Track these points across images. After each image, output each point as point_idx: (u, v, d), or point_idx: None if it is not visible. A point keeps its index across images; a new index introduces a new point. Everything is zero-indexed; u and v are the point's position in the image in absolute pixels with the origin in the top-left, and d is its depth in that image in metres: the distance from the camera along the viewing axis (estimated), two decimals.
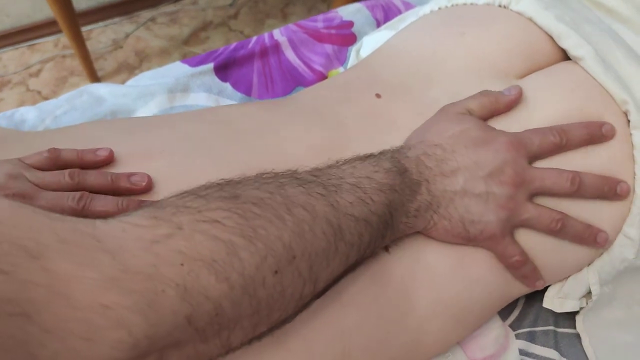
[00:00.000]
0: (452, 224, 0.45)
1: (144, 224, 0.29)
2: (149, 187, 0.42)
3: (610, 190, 0.47)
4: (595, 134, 0.47)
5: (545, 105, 0.50)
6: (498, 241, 0.46)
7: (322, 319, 0.42)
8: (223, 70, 0.74)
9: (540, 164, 0.47)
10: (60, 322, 0.24)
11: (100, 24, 1.80)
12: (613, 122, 0.48)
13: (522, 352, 0.55)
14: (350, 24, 0.80)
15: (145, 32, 1.79)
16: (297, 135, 0.51)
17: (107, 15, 1.81)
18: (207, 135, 0.49)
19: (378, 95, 0.55)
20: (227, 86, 0.73)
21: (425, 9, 0.66)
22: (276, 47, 0.77)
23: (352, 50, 0.76)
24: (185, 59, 0.77)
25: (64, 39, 1.75)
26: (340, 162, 0.42)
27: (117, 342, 0.25)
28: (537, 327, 0.56)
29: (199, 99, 0.72)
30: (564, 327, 0.56)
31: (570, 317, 0.56)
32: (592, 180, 0.46)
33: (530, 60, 0.54)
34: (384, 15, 0.83)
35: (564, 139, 0.46)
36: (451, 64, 0.55)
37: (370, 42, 0.73)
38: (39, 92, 1.63)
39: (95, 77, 1.62)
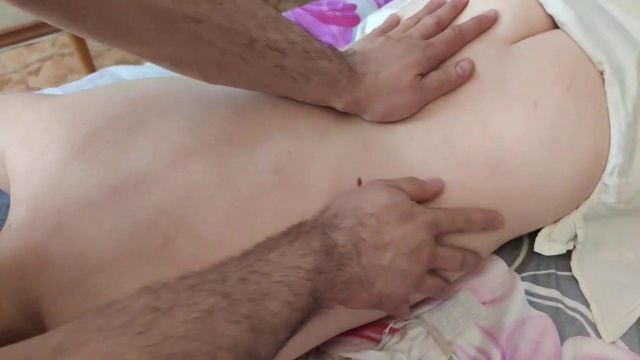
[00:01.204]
0: (371, 297, 0.46)
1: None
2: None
3: (491, 222, 0.53)
4: (490, 224, 0.53)
5: (529, 67, 0.55)
6: (400, 306, 0.51)
7: None
8: None
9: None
10: None
11: None
12: (587, 80, 0.54)
13: (528, 293, 0.60)
14: (353, 6, 0.85)
15: None
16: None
17: None
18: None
19: None
20: None
21: None
22: None
23: (358, 29, 0.81)
24: None
25: (61, 37, 1.78)
26: (270, 246, 0.40)
27: None
28: (540, 270, 0.62)
29: None
30: (564, 270, 0.62)
31: (568, 260, 0.62)
32: (478, 219, 0.52)
33: (524, 25, 0.60)
34: None
35: (468, 226, 0.51)
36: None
37: (374, 21, 0.79)
38: (39, 90, 1.66)
39: None
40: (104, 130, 0.50)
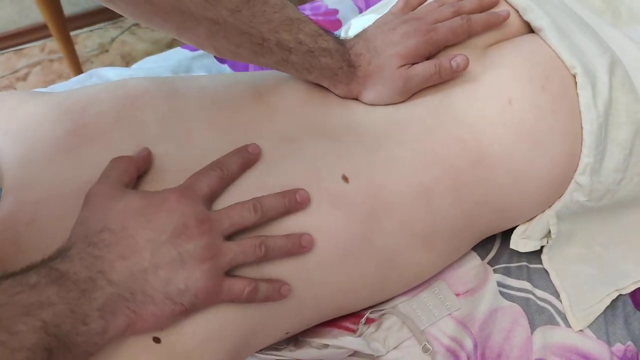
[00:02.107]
0: (160, 306, 0.40)
1: None
2: None
3: (290, 201, 0.47)
4: (246, 157, 0.49)
5: (503, 67, 0.58)
6: (218, 293, 0.43)
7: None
8: None
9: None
10: None
11: (86, 29, 1.85)
12: (561, 82, 0.56)
13: (500, 284, 0.62)
14: (335, 11, 0.88)
15: (130, 36, 1.85)
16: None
17: (92, 21, 1.86)
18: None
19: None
20: (226, 67, 0.80)
21: None
22: None
23: (342, 32, 0.83)
24: (184, 45, 0.83)
25: (50, 43, 1.79)
26: None
27: None
28: (512, 263, 0.64)
29: None
30: (535, 263, 0.64)
31: (539, 253, 0.64)
32: (272, 200, 0.46)
33: (499, 31, 0.62)
34: (365, 3, 0.91)
35: (225, 170, 0.47)
36: None
37: (358, 24, 0.81)
38: None
39: None
40: (89, 127, 0.52)
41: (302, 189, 0.48)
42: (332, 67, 0.55)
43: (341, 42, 0.56)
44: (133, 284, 0.39)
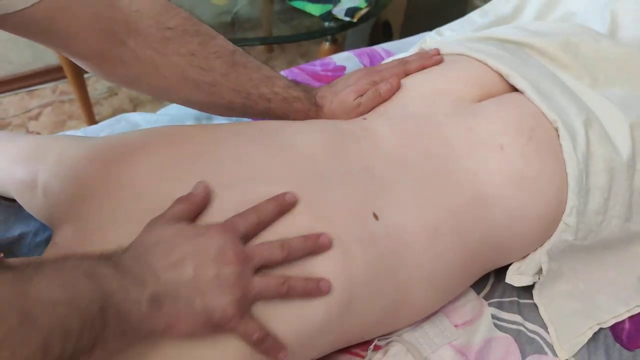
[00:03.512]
0: (197, 314, 0.45)
1: None
2: None
3: (313, 244, 0.52)
4: (282, 204, 0.54)
5: (493, 123, 0.66)
6: (238, 322, 0.47)
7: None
8: None
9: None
10: None
11: None
12: (545, 133, 0.65)
13: (494, 317, 0.69)
14: (343, 68, 0.97)
15: None
16: (313, 135, 0.65)
17: None
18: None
19: (364, 118, 0.71)
20: None
21: (403, 55, 0.83)
22: None
23: None
24: None
25: (62, 85, 1.88)
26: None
27: None
28: (504, 298, 0.71)
29: None
30: (525, 299, 0.71)
31: (529, 290, 0.71)
32: (297, 241, 0.52)
33: (483, 89, 0.71)
34: (370, 61, 1.00)
35: (261, 215, 0.52)
36: (419, 92, 0.72)
37: None
38: (38, 134, 1.74)
39: (93, 121, 1.75)
40: (135, 170, 0.59)
41: (325, 234, 0.53)
42: (303, 109, 0.72)
43: (309, 90, 0.74)
44: (177, 291, 0.45)
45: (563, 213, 0.65)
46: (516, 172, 0.63)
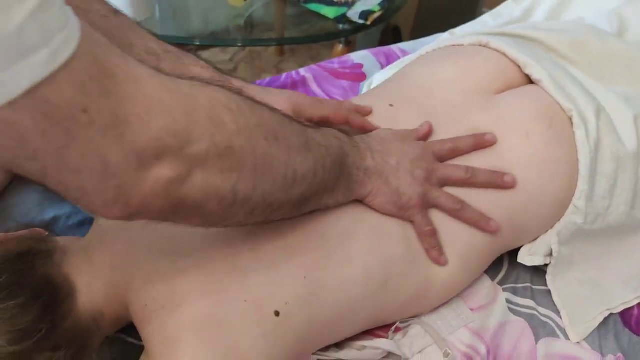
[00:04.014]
0: (391, 192, 0.60)
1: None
2: None
3: (498, 178, 0.64)
4: (479, 141, 0.67)
5: (513, 114, 0.70)
6: (416, 212, 0.61)
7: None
8: None
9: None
10: (134, 96, 0.35)
11: None
12: (562, 122, 0.69)
13: (508, 302, 0.72)
14: (360, 65, 1.01)
15: None
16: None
17: None
18: None
19: (391, 105, 0.74)
20: None
21: (421, 51, 0.87)
22: (303, 81, 0.96)
23: (365, 85, 0.96)
24: None
25: None
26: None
27: (165, 123, 0.36)
28: (518, 284, 0.74)
29: None
30: (538, 285, 0.74)
31: (541, 277, 0.74)
32: (483, 171, 0.64)
33: (503, 81, 0.75)
34: (386, 59, 1.04)
35: (456, 145, 0.66)
36: (445, 83, 0.75)
37: (379, 78, 0.93)
38: None
39: None
40: None
41: (511, 174, 0.65)
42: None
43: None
44: (384, 169, 0.60)
45: (573, 197, 0.68)
46: (538, 157, 0.67)
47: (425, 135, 0.67)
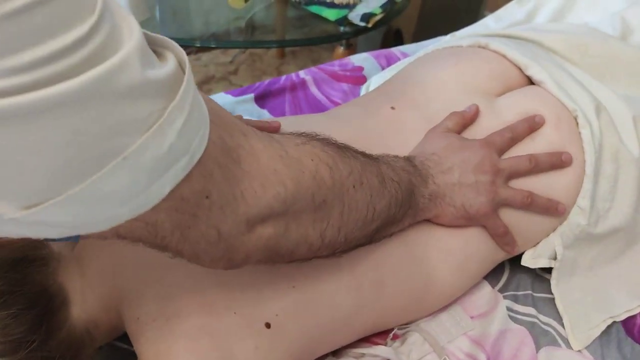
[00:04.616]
0: (457, 209, 0.61)
1: (292, 135, 0.47)
2: None
3: (558, 159, 0.65)
4: (532, 124, 0.67)
5: (515, 115, 0.69)
6: (489, 216, 0.63)
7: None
8: (261, 99, 0.92)
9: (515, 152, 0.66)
10: (252, 171, 0.39)
11: None
12: (568, 123, 0.68)
13: (508, 309, 0.71)
14: (361, 68, 1.00)
15: None
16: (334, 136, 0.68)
17: None
18: None
19: (393, 108, 0.72)
20: (265, 112, 0.91)
21: (420, 54, 0.86)
22: (303, 83, 0.95)
23: (363, 88, 0.95)
24: (231, 90, 0.94)
25: None
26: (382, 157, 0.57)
27: (277, 193, 0.40)
28: (519, 291, 0.73)
29: None
30: (539, 292, 0.73)
31: (543, 284, 0.73)
32: (544, 156, 0.65)
33: (504, 83, 0.74)
34: (387, 62, 1.03)
35: (515, 133, 0.65)
36: (447, 85, 0.73)
37: (377, 81, 0.92)
38: None
39: None
40: None
41: (567, 152, 0.65)
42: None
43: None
44: (446, 190, 0.60)
45: (577, 197, 0.67)
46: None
47: (473, 118, 0.67)
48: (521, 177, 0.65)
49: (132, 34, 0.28)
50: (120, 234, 0.34)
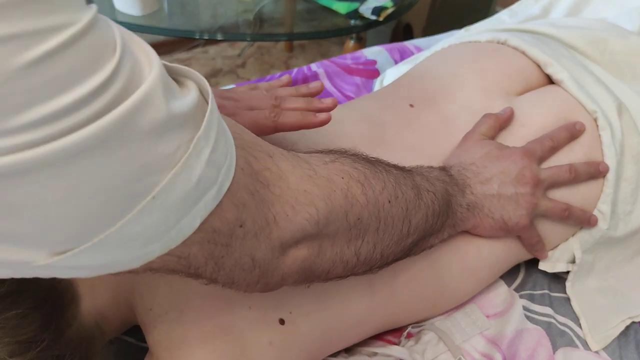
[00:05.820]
0: (496, 221, 0.60)
1: (321, 152, 0.45)
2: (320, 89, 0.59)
3: (595, 169, 0.63)
4: (573, 132, 0.65)
5: (534, 117, 0.67)
6: (527, 229, 0.62)
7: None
8: None
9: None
10: (282, 194, 0.38)
11: None
12: (586, 125, 0.66)
13: (525, 309, 0.69)
14: (374, 61, 0.98)
15: None
16: (348, 130, 0.66)
17: None
18: None
19: (411, 105, 0.71)
20: None
21: (437, 47, 0.84)
22: (315, 77, 0.94)
23: (377, 82, 0.93)
24: (239, 83, 0.93)
25: None
26: (417, 169, 0.56)
27: (309, 215, 0.39)
28: (536, 290, 0.71)
29: None
30: (556, 292, 0.71)
31: (559, 284, 0.71)
32: (583, 166, 0.63)
33: (524, 81, 0.72)
34: (400, 56, 1.01)
35: (556, 141, 0.63)
36: (466, 83, 0.72)
37: (392, 74, 0.91)
38: None
39: None
40: None
41: (604, 162, 0.64)
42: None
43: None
44: (484, 201, 0.59)
45: (598, 201, 0.66)
46: (565, 163, 0.64)
47: (507, 121, 0.66)
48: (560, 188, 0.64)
49: (152, 67, 0.27)
50: (153, 268, 0.33)
